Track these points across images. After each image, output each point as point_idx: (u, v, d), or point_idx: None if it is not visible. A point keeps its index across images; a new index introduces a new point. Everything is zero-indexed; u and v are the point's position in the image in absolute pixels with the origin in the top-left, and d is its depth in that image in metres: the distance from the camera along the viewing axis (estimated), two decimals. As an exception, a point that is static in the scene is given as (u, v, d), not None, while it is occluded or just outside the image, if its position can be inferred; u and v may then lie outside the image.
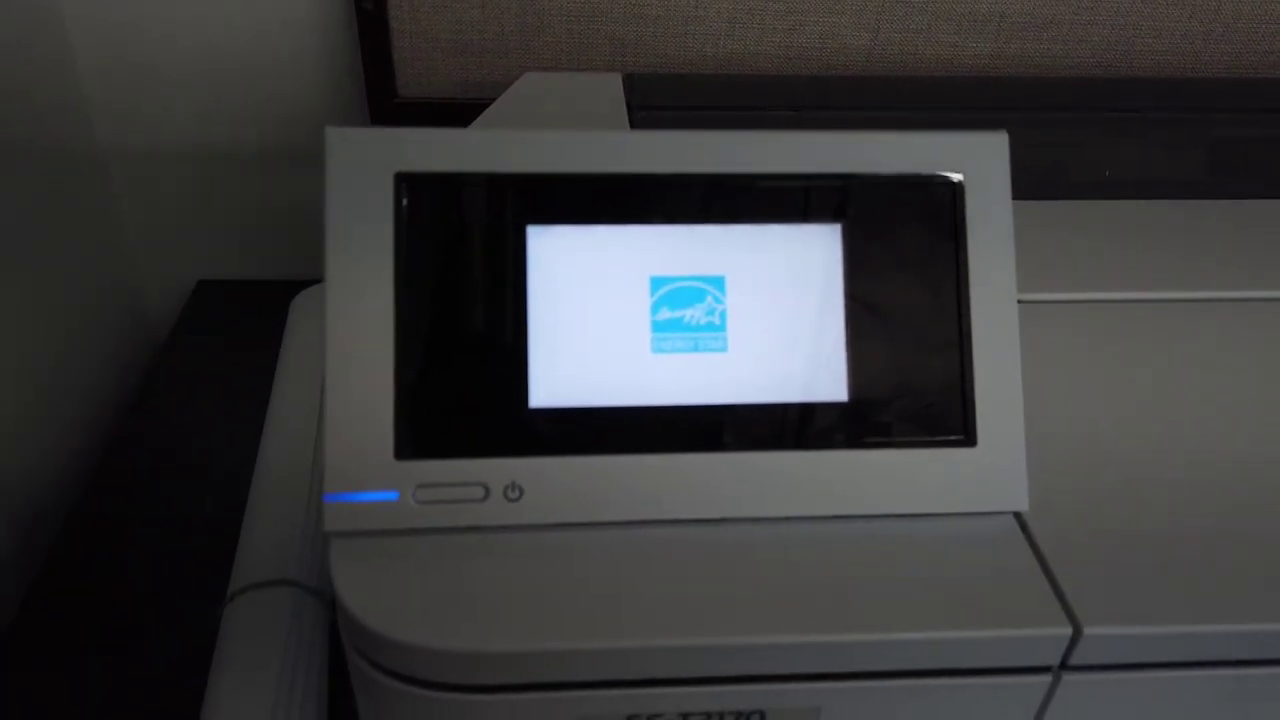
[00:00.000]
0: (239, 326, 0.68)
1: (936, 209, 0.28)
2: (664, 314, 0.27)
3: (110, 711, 0.44)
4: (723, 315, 0.28)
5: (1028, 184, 0.46)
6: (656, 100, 0.52)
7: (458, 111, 0.62)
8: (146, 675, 0.46)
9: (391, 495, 0.26)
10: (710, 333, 0.27)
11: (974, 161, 0.28)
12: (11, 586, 0.55)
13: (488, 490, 0.27)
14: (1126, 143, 0.52)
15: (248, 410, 0.59)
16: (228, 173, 0.68)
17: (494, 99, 0.61)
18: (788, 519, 0.28)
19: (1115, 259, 0.39)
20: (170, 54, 0.63)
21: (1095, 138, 0.52)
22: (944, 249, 0.28)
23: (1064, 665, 0.26)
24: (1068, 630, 0.25)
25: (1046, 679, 0.26)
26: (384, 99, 0.62)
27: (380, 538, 0.27)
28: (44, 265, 0.58)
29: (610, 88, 0.52)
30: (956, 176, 0.28)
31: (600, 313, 0.27)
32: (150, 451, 0.58)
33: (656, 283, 0.27)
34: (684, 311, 0.27)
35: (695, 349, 0.27)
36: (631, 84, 0.53)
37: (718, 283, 0.28)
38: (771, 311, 0.28)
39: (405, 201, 0.27)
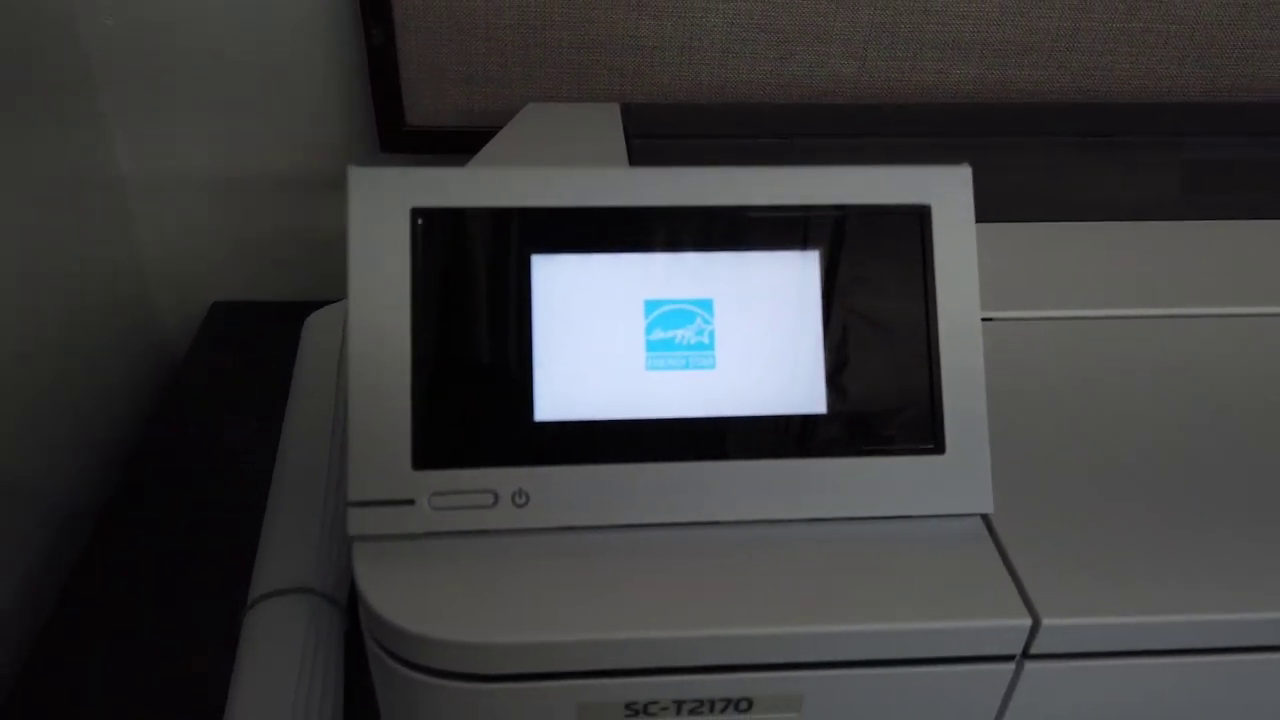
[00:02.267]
0: (253, 346, 0.70)
1: (906, 236, 0.30)
2: (657, 334, 0.30)
3: (138, 714, 0.47)
4: (711, 335, 0.30)
5: (1010, 207, 0.49)
6: (653, 129, 0.54)
7: (463, 139, 0.65)
8: (171, 678, 0.48)
9: (410, 502, 0.29)
10: (700, 351, 0.30)
11: (940, 192, 0.31)
12: (34, 599, 0.57)
13: (497, 497, 0.29)
14: (1105, 165, 0.55)
15: (263, 426, 0.62)
16: (242, 198, 0.71)
17: (498, 127, 0.64)
18: (771, 522, 0.30)
19: (1087, 278, 0.42)
20: (188, 83, 0.66)
21: (1075, 161, 0.55)
22: (913, 273, 0.30)
23: (1026, 654, 0.29)
24: (1027, 621, 0.28)
25: (1010, 667, 0.29)
26: (393, 128, 0.65)
27: (399, 541, 0.29)
28: (64, 287, 0.61)
29: (609, 117, 0.55)
30: (924, 206, 0.31)
31: (599, 334, 0.30)
32: (170, 466, 0.60)
33: (650, 305, 0.30)
34: (675, 332, 0.30)
35: (686, 366, 0.30)
36: (629, 113, 0.56)
37: (706, 305, 0.30)
38: (756, 332, 0.30)
39: (420, 234, 0.29)
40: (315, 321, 0.66)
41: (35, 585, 0.57)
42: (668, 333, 0.30)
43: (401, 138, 0.66)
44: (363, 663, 0.48)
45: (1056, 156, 0.55)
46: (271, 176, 0.70)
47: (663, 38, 0.62)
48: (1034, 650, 0.28)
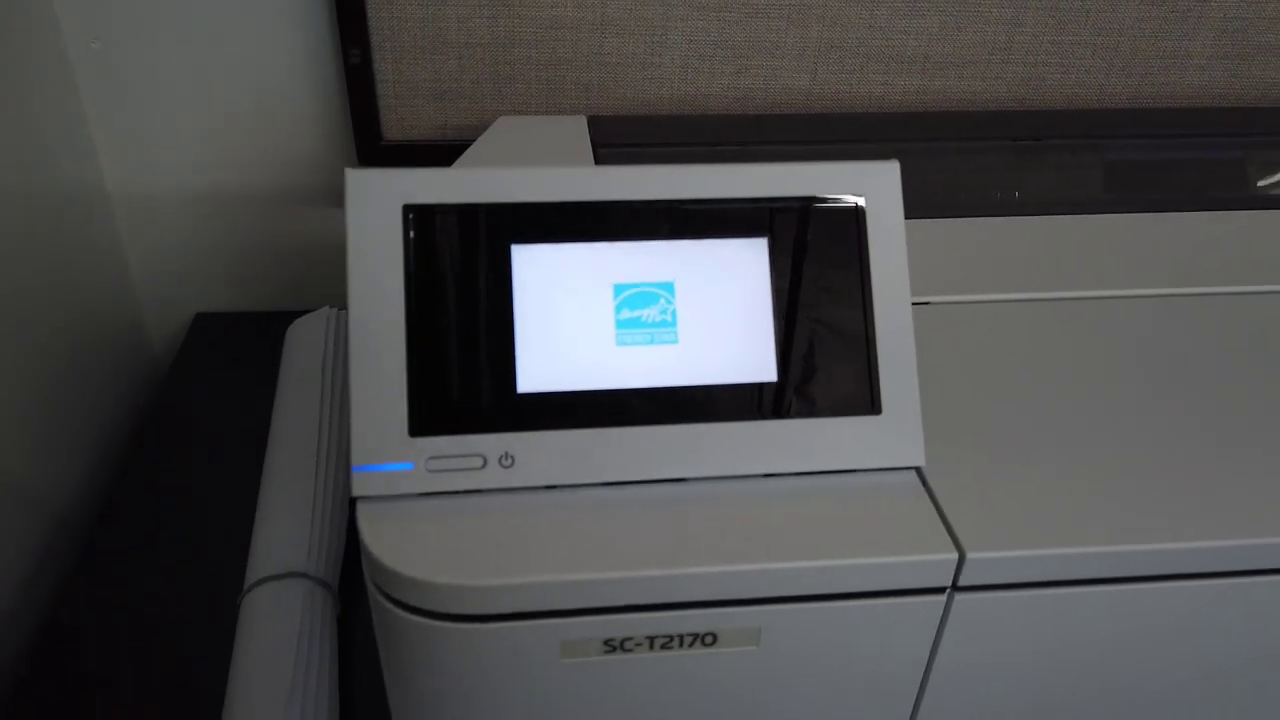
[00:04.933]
0: (236, 354, 0.74)
1: (844, 224, 0.35)
2: (625, 314, 0.34)
3: (142, 695, 0.50)
4: (674, 314, 0.34)
5: (951, 204, 0.54)
6: (618, 139, 0.59)
7: (438, 152, 0.69)
8: (171, 663, 0.51)
9: (407, 465, 0.33)
10: (664, 328, 0.34)
11: (872, 184, 0.35)
12: (31, 599, 0.60)
13: (485, 460, 0.33)
14: (1038, 166, 0.60)
15: (248, 428, 0.65)
16: (225, 212, 0.74)
17: (471, 140, 0.69)
18: (730, 477, 0.34)
19: (1016, 266, 0.47)
20: (172, 102, 0.69)
21: (1010, 163, 0.60)
22: (850, 257, 0.35)
23: (955, 586, 0.33)
24: (954, 555, 0.32)
25: (941, 599, 0.33)
26: (370, 142, 0.69)
27: (398, 501, 0.33)
28: (51, 299, 0.63)
29: (577, 128, 0.60)
30: (859, 198, 0.35)
31: (573, 314, 0.34)
32: (159, 469, 0.63)
33: (619, 289, 0.34)
34: (641, 311, 0.34)
35: (652, 342, 0.34)
36: (596, 125, 0.60)
37: (668, 288, 0.35)
38: (713, 310, 0.34)
39: (412, 228, 0.33)
40: (297, 328, 0.69)
41: (32, 586, 0.59)
42: (634, 312, 0.34)
43: (378, 152, 0.69)
44: (352, 643, 0.51)
45: (993, 159, 0.61)
46: (253, 191, 0.74)
47: (626, 54, 0.67)
48: (962, 582, 0.33)
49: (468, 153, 0.57)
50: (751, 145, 0.60)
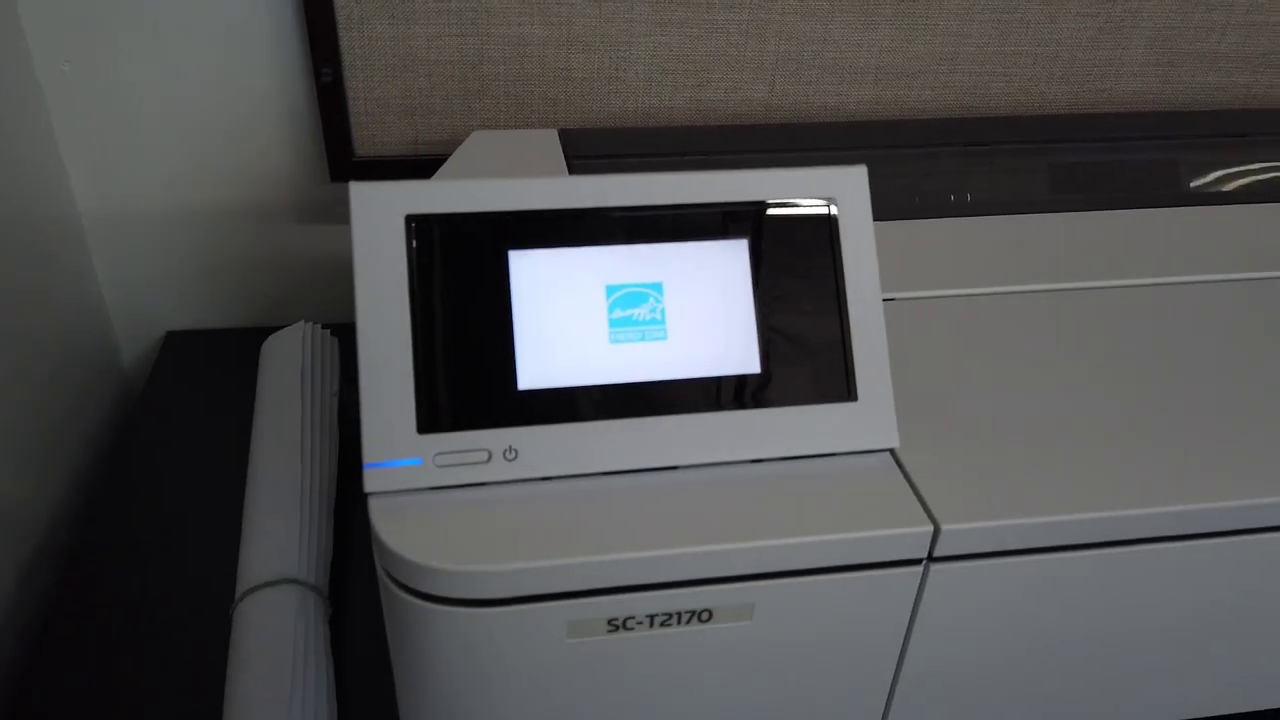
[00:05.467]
0: (208, 371, 0.74)
1: (818, 225, 0.38)
2: (617, 313, 0.37)
3: (137, 709, 0.50)
4: (663, 312, 0.37)
5: (905, 207, 0.57)
6: (589, 150, 0.61)
7: (409, 167, 0.71)
8: (165, 676, 0.52)
9: (416, 461, 0.35)
10: (654, 326, 0.37)
11: (842, 188, 0.38)
12: (8, 624, 0.60)
13: (490, 454, 0.35)
14: (986, 170, 0.63)
15: (225, 443, 0.66)
16: (195, 229, 0.75)
17: (441, 155, 0.71)
18: (719, 464, 0.37)
19: (972, 262, 0.50)
20: (143, 121, 0.70)
21: (960, 167, 0.63)
22: (824, 255, 0.38)
23: (931, 558, 0.36)
24: (929, 528, 0.35)
25: (918, 570, 0.36)
26: (342, 159, 0.71)
27: (408, 494, 0.35)
28: (21, 319, 0.64)
29: (548, 141, 0.62)
30: (831, 200, 0.38)
31: (569, 315, 0.36)
32: (137, 486, 0.64)
33: (611, 289, 0.37)
34: (632, 311, 0.37)
35: (643, 339, 0.37)
36: (567, 138, 0.63)
37: (657, 288, 0.37)
38: (699, 308, 0.37)
39: (414, 237, 0.36)
40: (273, 343, 0.70)
41: (12, 611, 0.59)
42: (626, 312, 0.37)
43: (350, 168, 0.71)
44: (344, 644, 0.53)
45: (946, 164, 0.64)
46: (224, 208, 0.75)
47: (592, 70, 0.70)
48: (937, 553, 0.35)
49: (445, 166, 0.59)
50: (716, 155, 0.63)
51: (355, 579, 0.57)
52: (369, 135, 0.70)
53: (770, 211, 0.38)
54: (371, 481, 0.35)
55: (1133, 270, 0.50)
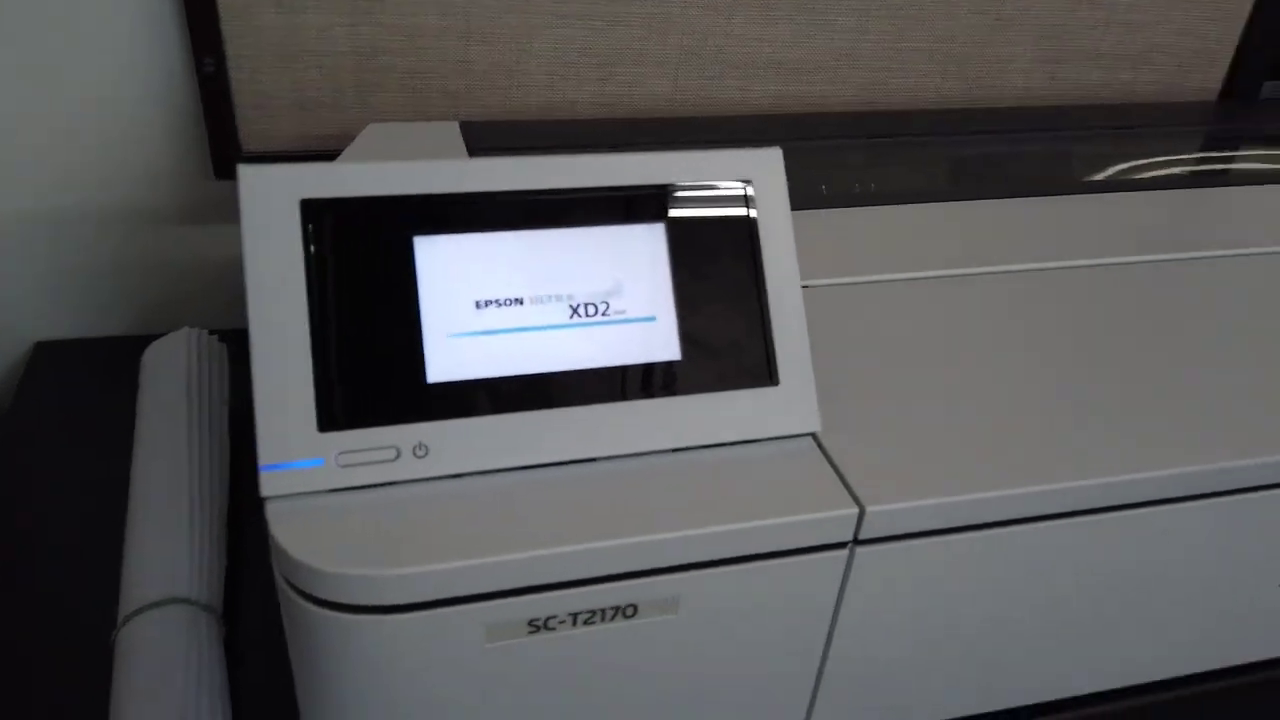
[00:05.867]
0: (82, 384, 0.70)
1: (734, 207, 0.37)
2: (530, 301, 0.35)
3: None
4: (578, 299, 0.36)
5: (810, 198, 0.57)
6: (491, 143, 0.60)
7: (299, 163, 0.68)
8: (40, 711, 0.48)
9: (318, 462, 0.32)
10: (569, 313, 0.35)
11: (759, 170, 0.37)
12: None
13: (399, 451, 0.33)
14: (886, 162, 0.64)
15: (102, 459, 0.62)
16: (65, 233, 0.70)
17: (334, 150, 0.68)
18: (640, 454, 0.36)
19: (878, 250, 0.50)
20: (6, 121, 0.65)
21: (858, 158, 0.64)
22: (742, 237, 0.37)
23: (856, 540, 0.35)
24: (855, 510, 0.34)
25: (844, 553, 0.35)
26: (227, 155, 0.67)
27: (310, 497, 0.33)
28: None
29: (449, 134, 0.60)
30: (747, 182, 0.37)
31: (479, 303, 0.35)
32: (6, 508, 0.59)
33: (522, 277, 0.35)
34: (547, 298, 0.35)
35: (558, 327, 0.35)
36: (468, 130, 0.61)
37: (572, 274, 0.36)
38: (616, 294, 0.36)
39: (310, 222, 0.33)
40: (155, 351, 0.66)
41: None
42: (539, 299, 0.35)
43: (235, 164, 0.67)
44: (241, 666, 0.49)
45: (847, 157, 0.65)
46: (97, 210, 0.70)
47: (492, 62, 0.68)
48: (862, 535, 0.35)
49: (339, 159, 0.57)
50: (621, 147, 0.62)
51: (250, 595, 0.54)
52: (256, 130, 0.67)
53: (687, 194, 0.37)
54: (269, 485, 0.32)
55: (1034, 255, 0.51)
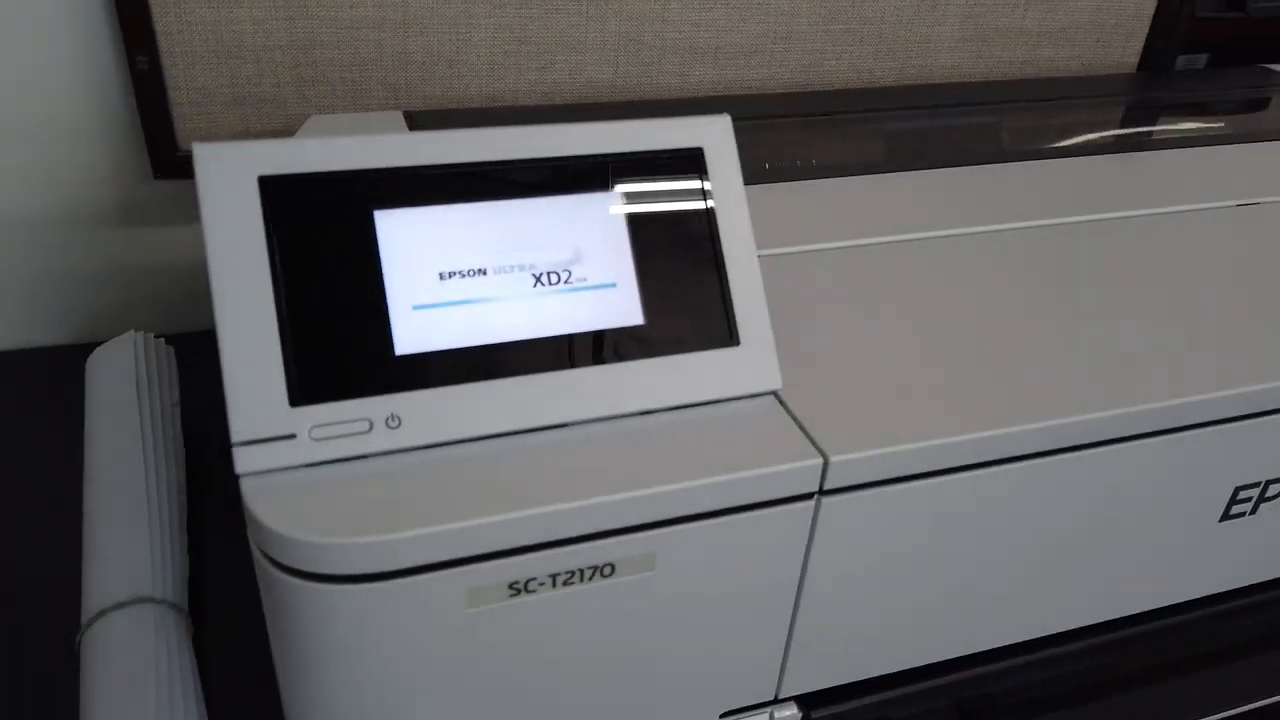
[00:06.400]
0: (22, 394, 0.68)
1: (688, 173, 0.38)
2: (493, 271, 0.36)
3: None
4: (540, 267, 0.36)
5: (754, 173, 0.58)
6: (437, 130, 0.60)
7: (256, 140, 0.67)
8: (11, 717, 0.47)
9: (291, 436, 0.33)
10: (532, 282, 0.36)
11: (709, 135, 0.38)
12: None
13: (371, 423, 0.34)
14: (824, 139, 0.66)
15: (47, 469, 0.61)
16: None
17: (277, 145, 0.67)
18: (608, 418, 0.36)
19: (822, 220, 0.52)
20: (-71, 124, 0.64)
21: (799, 136, 0.66)
22: (697, 203, 0.38)
23: (822, 491, 0.36)
24: (819, 460, 0.36)
25: (811, 504, 0.37)
26: (165, 153, 0.66)
27: (285, 472, 0.33)
28: None
29: (394, 123, 0.60)
30: (698, 147, 0.38)
31: (444, 275, 0.35)
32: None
33: (484, 248, 0.36)
34: (509, 267, 0.36)
35: (523, 296, 0.36)
36: (412, 119, 0.61)
37: (532, 243, 0.36)
38: (577, 261, 0.37)
39: (270, 199, 0.33)
40: (100, 356, 0.65)
41: None
42: (501, 269, 0.36)
43: (175, 163, 0.67)
44: (209, 669, 0.49)
45: (786, 134, 0.66)
46: (29, 214, 0.69)
47: (431, 53, 0.68)
48: (828, 486, 0.36)
49: (284, 151, 0.56)
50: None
51: (213, 593, 0.53)
52: (194, 127, 0.66)
53: (641, 161, 0.38)
54: (243, 460, 0.32)
55: (974, 219, 0.53)
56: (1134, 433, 0.40)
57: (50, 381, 0.69)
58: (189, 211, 0.72)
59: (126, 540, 0.51)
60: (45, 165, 0.67)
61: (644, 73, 0.73)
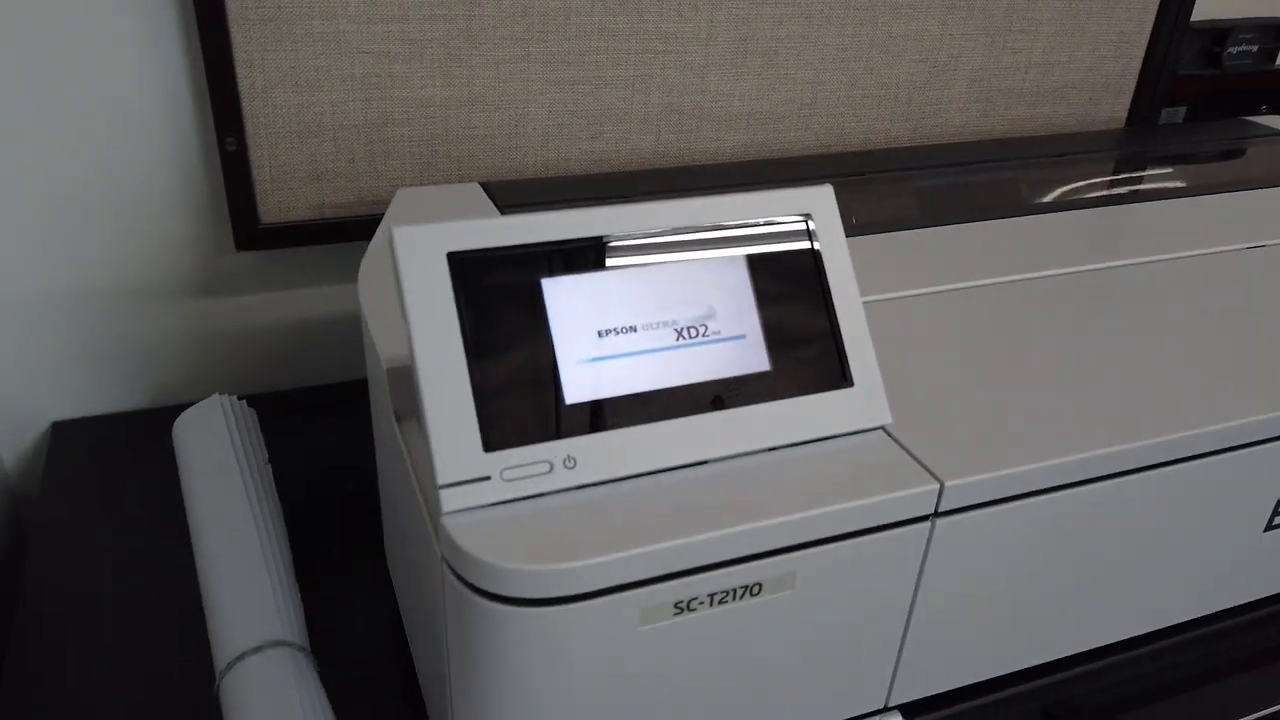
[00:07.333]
0: (106, 460, 0.71)
1: (800, 236, 0.44)
2: (643, 328, 0.41)
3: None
4: (683, 324, 0.41)
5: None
6: (516, 200, 0.65)
7: (315, 231, 0.72)
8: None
9: (486, 477, 0.37)
10: (676, 336, 0.41)
11: (816, 204, 0.44)
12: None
13: (551, 465, 0.38)
14: (852, 198, 0.72)
15: (139, 534, 0.64)
16: (79, 310, 0.72)
17: (349, 218, 0.72)
18: (746, 454, 0.42)
19: (885, 272, 0.58)
20: (21, 199, 0.68)
21: (841, 197, 0.72)
22: (809, 262, 0.44)
23: (937, 513, 0.42)
24: (935, 485, 0.41)
25: (927, 525, 0.42)
26: (248, 226, 0.71)
27: (480, 510, 0.37)
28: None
29: (474, 194, 0.65)
30: (808, 216, 0.44)
31: (602, 333, 0.40)
32: (44, 591, 0.61)
33: (635, 309, 0.41)
34: (656, 324, 0.41)
35: (668, 349, 0.41)
36: (490, 190, 0.66)
37: (675, 305, 0.42)
38: (712, 319, 0.42)
39: (457, 272, 0.38)
40: (189, 419, 0.69)
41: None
42: (649, 326, 0.41)
43: (256, 235, 0.71)
44: (335, 704, 0.53)
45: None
46: (113, 286, 0.73)
47: (493, 128, 0.74)
48: (943, 508, 0.41)
49: (383, 224, 0.61)
50: (638, 197, 0.68)
51: (325, 636, 0.57)
52: (275, 202, 0.71)
53: (761, 227, 0.43)
54: (449, 500, 0.37)
55: (1020, 267, 0.59)
56: (1207, 450, 0.46)
57: (130, 445, 0.72)
58: (266, 281, 0.77)
59: (249, 592, 0.55)
60: (124, 242, 0.71)
61: (683, 139, 0.79)
